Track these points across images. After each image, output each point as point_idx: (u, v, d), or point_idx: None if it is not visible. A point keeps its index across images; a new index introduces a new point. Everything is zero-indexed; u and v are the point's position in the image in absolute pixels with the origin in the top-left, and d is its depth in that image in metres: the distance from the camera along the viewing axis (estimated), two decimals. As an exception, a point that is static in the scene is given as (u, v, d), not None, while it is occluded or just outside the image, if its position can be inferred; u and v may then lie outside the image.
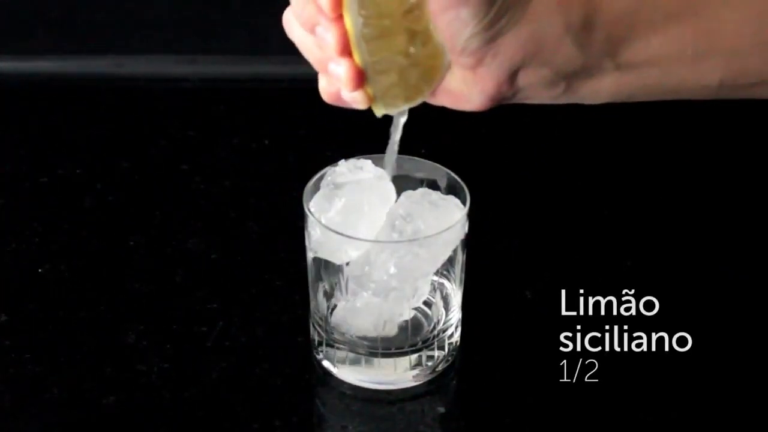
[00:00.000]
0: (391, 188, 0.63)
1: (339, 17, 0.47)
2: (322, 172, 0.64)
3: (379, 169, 0.63)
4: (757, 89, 0.49)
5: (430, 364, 0.64)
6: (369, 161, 0.64)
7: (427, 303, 0.64)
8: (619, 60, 0.47)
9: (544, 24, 0.46)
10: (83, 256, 0.75)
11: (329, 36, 0.47)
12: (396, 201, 0.63)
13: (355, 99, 0.50)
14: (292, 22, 0.50)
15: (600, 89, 0.49)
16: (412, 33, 0.48)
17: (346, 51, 0.48)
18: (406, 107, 0.52)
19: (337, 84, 0.50)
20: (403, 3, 0.47)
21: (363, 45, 0.48)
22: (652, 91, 0.49)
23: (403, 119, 0.55)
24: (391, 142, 0.57)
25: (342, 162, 0.64)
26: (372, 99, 0.51)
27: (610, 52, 0.47)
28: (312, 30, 0.48)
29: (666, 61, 0.47)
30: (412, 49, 0.49)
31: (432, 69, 0.49)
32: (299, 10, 0.48)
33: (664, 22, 0.46)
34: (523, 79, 0.48)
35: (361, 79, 0.49)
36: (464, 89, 0.49)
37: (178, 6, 0.98)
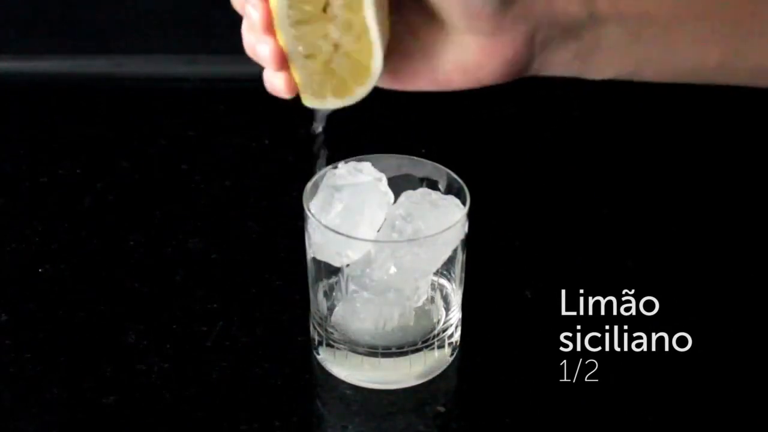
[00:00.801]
0: (389, 191, 0.63)
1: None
2: (321, 172, 0.64)
3: (378, 172, 0.63)
4: (758, 77, 0.50)
5: (430, 363, 0.64)
6: (368, 163, 0.64)
7: (427, 303, 0.64)
8: (623, 23, 0.48)
9: None
10: (83, 256, 0.75)
11: (255, 14, 0.48)
12: (396, 201, 0.63)
13: (277, 82, 0.50)
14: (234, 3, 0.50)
15: (606, 55, 0.49)
16: (343, 23, 0.47)
17: (270, 30, 0.48)
18: (335, 104, 0.51)
19: (262, 63, 0.50)
20: None
21: (287, 27, 0.47)
22: (656, 66, 0.50)
23: (324, 112, 0.55)
24: (316, 137, 0.57)
25: (341, 164, 0.64)
26: (297, 86, 0.50)
27: (614, 14, 0.48)
28: (241, 9, 0.49)
29: (668, 24, 0.48)
30: (339, 38, 0.48)
31: (362, 67, 0.48)
32: None
33: None
34: (539, 41, 0.48)
35: (282, 60, 0.48)
36: (482, 60, 0.48)
37: (178, 6, 0.98)
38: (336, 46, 0.49)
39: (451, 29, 0.48)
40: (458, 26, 0.48)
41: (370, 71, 0.49)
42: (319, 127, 0.56)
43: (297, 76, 0.50)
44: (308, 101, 0.51)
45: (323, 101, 0.51)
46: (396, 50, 0.50)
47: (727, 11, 0.48)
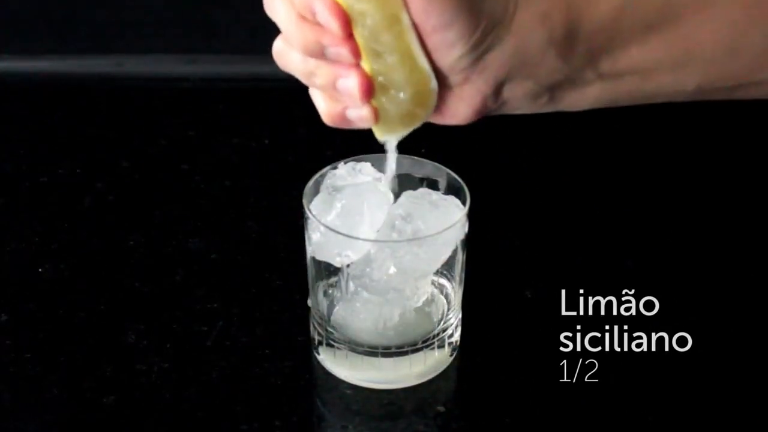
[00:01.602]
0: (389, 192, 0.63)
1: (350, 36, 0.47)
2: (321, 172, 0.64)
3: (378, 172, 0.63)
4: (735, 92, 0.51)
5: (430, 363, 0.64)
6: (368, 164, 0.64)
7: (427, 303, 0.64)
8: (601, 70, 0.49)
9: (528, 38, 0.47)
10: (83, 256, 0.75)
11: (344, 51, 0.47)
12: (396, 201, 0.63)
13: (362, 115, 0.50)
14: (286, 52, 0.50)
15: (583, 98, 0.50)
16: (402, 54, 0.48)
17: (357, 63, 0.48)
18: (404, 131, 0.52)
19: (346, 98, 0.49)
20: (391, 27, 0.47)
21: (371, 56, 0.48)
22: (633, 97, 0.51)
23: (395, 142, 0.55)
24: (389, 167, 0.58)
25: (341, 164, 0.64)
26: (378, 115, 0.50)
27: (592, 62, 0.48)
28: (317, 54, 0.48)
29: (646, 69, 0.49)
30: (404, 70, 0.49)
31: (423, 93, 0.49)
32: (298, 39, 0.48)
33: (643, 32, 0.48)
34: (508, 92, 0.49)
35: (372, 88, 0.49)
36: (450, 104, 0.50)
37: (178, 6, 0.98)
38: (402, 75, 0.49)
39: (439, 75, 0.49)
40: (441, 75, 0.49)
41: (430, 95, 0.49)
42: (393, 161, 0.58)
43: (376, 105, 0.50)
44: (382, 135, 0.52)
45: (395, 133, 0.52)
46: None
47: (701, 38, 0.48)
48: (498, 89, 0.48)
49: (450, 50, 0.47)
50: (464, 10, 0.45)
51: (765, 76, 0.50)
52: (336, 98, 0.50)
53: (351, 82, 0.48)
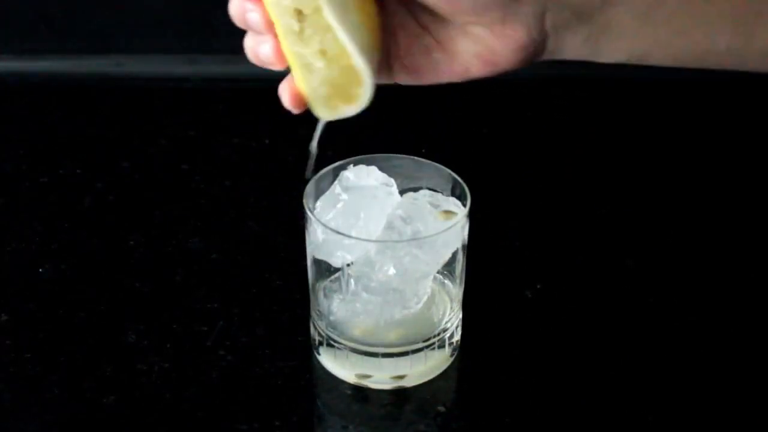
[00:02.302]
0: (395, 196, 0.63)
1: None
2: (322, 172, 0.64)
3: (387, 177, 0.63)
4: (764, 61, 0.50)
5: (430, 364, 0.64)
6: (375, 167, 0.64)
7: (427, 303, 0.64)
8: (633, 4, 0.48)
9: None
10: (83, 256, 0.75)
11: (255, 14, 0.49)
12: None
13: (268, 53, 0.51)
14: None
15: (617, 38, 0.49)
16: (315, 30, 0.48)
17: (270, 31, 0.49)
18: (348, 111, 0.52)
19: (266, 65, 0.51)
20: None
21: (284, 41, 0.49)
22: (663, 45, 0.50)
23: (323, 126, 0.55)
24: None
25: (351, 167, 0.64)
26: (305, 100, 0.51)
27: None
28: (242, 21, 0.50)
29: (676, 6, 0.49)
30: (321, 46, 0.49)
31: (352, 70, 0.49)
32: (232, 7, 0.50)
33: None
34: (549, 22, 0.48)
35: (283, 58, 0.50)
36: (496, 46, 0.49)
37: (178, 6, 0.98)
38: (323, 54, 0.49)
39: (461, 21, 0.49)
40: (467, 19, 0.48)
41: (359, 73, 0.49)
42: (314, 143, 0.57)
43: (304, 91, 0.50)
44: (323, 114, 0.52)
45: (336, 111, 0.52)
46: (412, 47, 0.51)
47: (737, 7, 0.48)
48: (539, 20, 0.48)
49: None
50: None
51: None
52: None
53: (266, 48, 0.50)
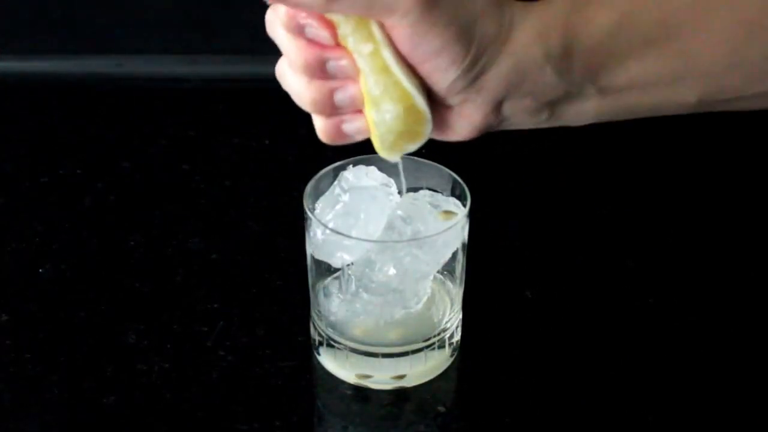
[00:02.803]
0: (395, 196, 0.63)
1: (338, 46, 0.47)
2: (323, 172, 0.64)
3: (386, 177, 0.63)
4: (736, 104, 0.51)
5: (430, 364, 0.64)
6: (374, 168, 0.64)
7: (427, 303, 0.64)
8: (600, 85, 0.49)
9: (524, 56, 0.47)
10: (83, 256, 0.75)
11: (345, 62, 0.47)
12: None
13: (358, 126, 0.50)
14: (288, 74, 0.50)
15: (583, 113, 0.50)
16: (380, 71, 0.48)
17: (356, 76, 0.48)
18: (405, 148, 0.52)
19: (343, 110, 0.50)
20: (367, 43, 0.47)
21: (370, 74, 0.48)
22: (633, 111, 0.51)
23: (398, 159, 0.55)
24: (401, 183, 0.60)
25: (350, 167, 0.64)
26: (373, 129, 0.50)
27: (591, 78, 0.48)
28: (318, 69, 0.48)
29: (645, 84, 0.49)
30: (385, 87, 0.49)
31: (409, 109, 0.49)
32: (297, 57, 0.48)
33: (641, 47, 0.48)
34: (508, 109, 0.49)
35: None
36: (451, 122, 0.50)
37: (178, 6, 0.98)
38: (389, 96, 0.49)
39: (436, 95, 0.49)
40: (438, 95, 0.49)
41: (416, 112, 0.49)
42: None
43: (373, 135, 0.50)
44: (388, 155, 0.52)
45: (401, 150, 0.52)
46: None
47: (701, 54, 0.48)
48: (497, 107, 0.48)
49: (444, 75, 0.47)
50: (452, 36, 0.45)
51: (765, 88, 0.49)
52: (332, 114, 0.50)
53: (352, 90, 0.48)
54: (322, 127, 0.51)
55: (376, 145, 0.51)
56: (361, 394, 0.64)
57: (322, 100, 0.49)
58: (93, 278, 0.73)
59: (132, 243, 0.76)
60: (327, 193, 0.63)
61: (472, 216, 0.62)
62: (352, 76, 0.48)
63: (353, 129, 0.50)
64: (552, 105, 0.49)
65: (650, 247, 0.76)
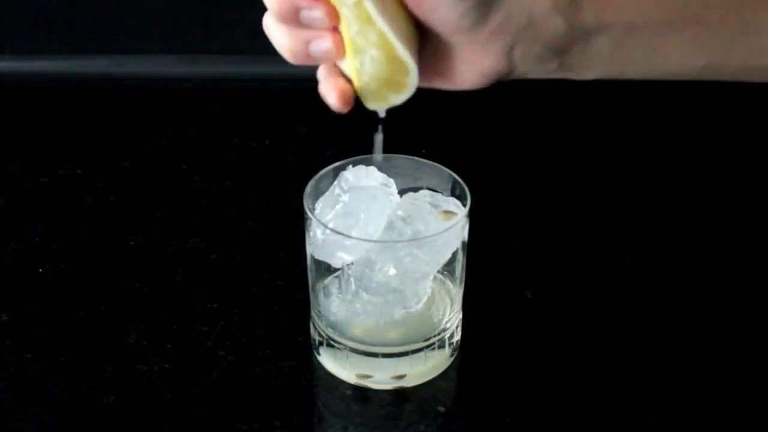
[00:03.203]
0: (395, 196, 0.63)
1: None
2: (322, 172, 0.64)
3: (386, 178, 0.63)
4: (743, 75, 0.51)
5: (430, 364, 0.64)
6: (374, 168, 0.64)
7: (427, 304, 0.64)
8: (609, 33, 0.48)
9: (532, 3, 0.47)
10: (83, 256, 0.75)
11: (318, 14, 0.47)
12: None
13: (325, 48, 0.49)
14: (270, 25, 0.50)
15: (591, 63, 0.50)
16: (363, 21, 0.48)
17: (335, 27, 0.48)
18: (390, 99, 0.52)
19: (321, 61, 0.50)
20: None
21: (348, 34, 0.48)
22: (640, 68, 0.50)
23: (383, 113, 0.55)
24: (376, 145, 0.58)
25: (350, 168, 0.64)
26: (353, 95, 0.50)
27: (599, 25, 0.48)
28: (291, 19, 0.48)
29: (653, 33, 0.48)
30: (368, 42, 0.48)
31: (393, 58, 0.49)
32: (273, 4, 0.48)
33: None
34: (517, 54, 0.48)
35: (343, 49, 0.49)
36: (460, 68, 0.49)
37: (179, 6, 0.98)
38: (372, 45, 0.49)
39: (442, 39, 0.49)
40: (444, 38, 0.48)
41: (404, 61, 0.49)
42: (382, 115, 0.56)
43: (356, 86, 0.50)
44: (374, 106, 0.52)
45: (386, 101, 0.52)
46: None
47: (710, 16, 0.48)
48: (507, 52, 0.48)
49: (452, 8, 0.46)
50: None
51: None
52: (308, 62, 0.50)
53: (325, 44, 0.48)
54: (286, 45, 0.50)
55: (360, 93, 0.51)
56: (361, 394, 0.64)
57: (299, 50, 0.49)
58: (93, 278, 0.73)
59: (132, 243, 0.76)
60: (327, 194, 0.63)
61: (472, 216, 0.62)
62: (327, 27, 0.48)
63: (320, 49, 0.49)
64: (561, 53, 0.49)
65: (650, 247, 0.76)
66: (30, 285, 0.72)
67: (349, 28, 0.48)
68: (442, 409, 0.63)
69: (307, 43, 0.49)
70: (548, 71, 0.50)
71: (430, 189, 0.64)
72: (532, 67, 0.49)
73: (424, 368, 0.64)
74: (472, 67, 0.49)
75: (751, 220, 0.80)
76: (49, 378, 0.64)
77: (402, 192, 0.64)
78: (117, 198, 0.82)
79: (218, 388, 0.64)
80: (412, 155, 0.65)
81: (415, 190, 0.64)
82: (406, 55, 0.48)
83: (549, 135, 0.92)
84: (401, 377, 0.63)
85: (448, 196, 0.64)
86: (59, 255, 0.75)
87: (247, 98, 0.96)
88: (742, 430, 0.62)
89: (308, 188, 0.62)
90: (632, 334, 0.68)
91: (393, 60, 0.49)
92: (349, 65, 0.50)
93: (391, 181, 0.64)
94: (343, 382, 0.64)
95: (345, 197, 0.62)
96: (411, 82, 0.50)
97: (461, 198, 0.63)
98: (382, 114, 0.53)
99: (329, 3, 0.48)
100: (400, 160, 0.65)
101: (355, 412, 0.63)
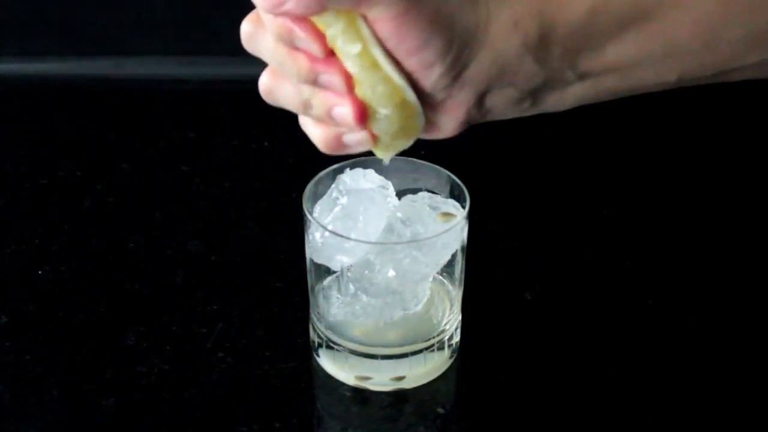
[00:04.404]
0: (393, 199, 0.63)
1: (335, 60, 0.47)
2: (321, 174, 0.64)
3: (383, 180, 0.63)
4: (718, 78, 0.51)
5: (429, 365, 0.64)
6: (372, 170, 0.64)
7: (426, 305, 0.64)
8: (580, 70, 0.48)
9: (503, 48, 0.47)
10: (83, 258, 0.75)
11: (336, 78, 0.47)
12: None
13: (359, 139, 0.50)
14: (276, 87, 0.50)
15: (565, 98, 0.50)
16: (370, 68, 0.47)
17: (351, 91, 0.48)
18: (400, 146, 0.51)
19: (342, 125, 0.49)
20: (355, 42, 0.46)
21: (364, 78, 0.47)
22: (615, 93, 0.51)
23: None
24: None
25: (347, 170, 0.64)
26: (375, 138, 0.50)
27: (570, 63, 0.48)
28: (311, 80, 0.47)
29: (624, 66, 0.49)
30: (376, 85, 0.48)
31: (402, 105, 0.48)
32: (291, 67, 0.47)
33: (618, 30, 0.48)
34: (491, 101, 0.49)
35: (365, 113, 0.48)
36: (436, 120, 0.50)
37: (178, 8, 0.98)
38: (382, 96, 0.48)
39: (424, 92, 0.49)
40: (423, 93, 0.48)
41: (408, 106, 0.48)
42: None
43: (373, 128, 0.50)
44: (381, 155, 0.52)
45: (392, 150, 0.52)
46: None
47: (681, 35, 0.48)
48: (480, 100, 0.48)
49: (429, 71, 0.46)
50: (437, 28, 0.45)
51: (745, 62, 0.50)
52: (330, 125, 0.50)
53: (345, 110, 0.48)
54: (320, 136, 0.50)
55: (375, 148, 0.51)
56: (361, 395, 0.64)
57: (321, 114, 0.49)
58: (92, 280, 0.73)
59: (131, 245, 0.77)
60: (325, 197, 0.63)
61: (471, 217, 0.62)
62: (344, 90, 0.47)
63: (354, 140, 0.50)
64: (534, 93, 0.49)
65: (650, 248, 0.76)
66: (29, 286, 0.72)
67: (357, 86, 0.47)
68: (441, 410, 0.63)
69: (331, 107, 0.48)
70: (523, 110, 0.50)
71: (428, 191, 0.64)
72: (505, 109, 0.50)
73: (423, 370, 0.64)
74: (447, 118, 0.49)
75: (751, 221, 0.80)
76: (48, 379, 0.64)
77: (401, 194, 0.64)
78: (116, 199, 0.82)
79: (218, 390, 0.64)
80: (410, 157, 0.65)
81: (414, 192, 0.64)
82: (413, 98, 0.48)
83: (548, 136, 0.92)
84: (401, 379, 0.64)
85: (446, 197, 0.64)
86: (59, 256, 0.75)
87: (247, 100, 0.96)
88: (742, 430, 0.62)
89: (307, 191, 0.62)
90: (632, 335, 0.68)
91: (403, 105, 0.48)
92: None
93: (389, 183, 0.64)
94: (342, 384, 0.64)
95: (343, 200, 0.62)
96: (419, 124, 0.50)
97: (460, 200, 0.63)
98: (386, 162, 0.53)
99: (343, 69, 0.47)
100: (399, 161, 0.65)
101: (355, 413, 0.63)
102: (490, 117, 0.50)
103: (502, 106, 0.49)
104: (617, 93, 0.51)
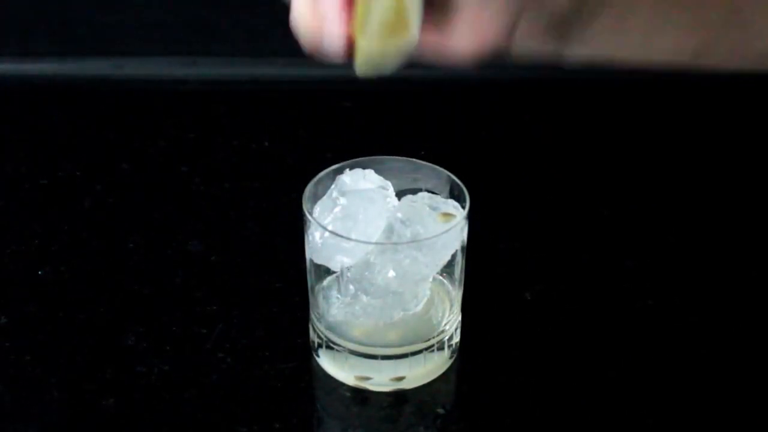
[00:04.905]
0: (393, 199, 0.63)
1: None
2: (321, 175, 0.64)
3: (383, 180, 0.63)
4: (730, 61, 0.51)
5: (429, 366, 0.64)
6: (371, 170, 0.64)
7: (426, 306, 0.64)
8: (612, 9, 0.48)
9: None
10: (83, 258, 0.75)
11: None
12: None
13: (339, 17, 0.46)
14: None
15: (586, 40, 0.49)
16: None
17: None
18: (388, 52, 0.47)
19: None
20: None
21: None
22: (632, 48, 0.50)
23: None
24: None
25: (347, 171, 0.64)
26: (358, 28, 0.47)
27: (603, 2, 0.48)
28: None
29: (652, 11, 0.49)
30: None
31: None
32: None
33: None
34: (519, 24, 0.47)
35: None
36: (457, 29, 0.47)
37: (179, 8, 0.98)
38: None
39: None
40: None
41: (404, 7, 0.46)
42: None
43: (360, 30, 0.46)
44: (364, 64, 0.48)
45: (379, 58, 0.47)
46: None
47: (705, 9, 0.49)
48: (511, 23, 0.47)
49: None
50: None
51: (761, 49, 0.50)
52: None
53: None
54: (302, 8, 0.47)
55: (359, 31, 0.47)
56: (361, 395, 0.64)
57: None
58: (92, 280, 0.73)
59: (131, 245, 0.77)
60: (325, 197, 0.63)
61: (471, 218, 0.62)
62: None
63: (331, 39, 0.46)
64: (562, 28, 0.48)
65: (650, 248, 0.76)
66: (29, 287, 0.72)
67: None
68: (441, 411, 0.63)
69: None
70: (544, 46, 0.49)
71: (428, 191, 0.64)
72: (529, 41, 0.48)
73: (423, 370, 0.64)
74: (470, 28, 0.47)
75: (751, 221, 0.80)
76: (48, 380, 0.64)
77: (400, 194, 0.64)
78: (116, 200, 0.82)
79: (217, 390, 0.64)
80: (411, 157, 0.65)
81: (414, 192, 0.64)
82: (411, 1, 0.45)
83: (547, 136, 0.92)
84: (400, 379, 0.64)
85: (446, 198, 0.64)
86: (58, 257, 0.75)
87: (247, 100, 0.96)
88: (742, 430, 0.62)
89: (307, 191, 0.62)
90: (632, 335, 0.68)
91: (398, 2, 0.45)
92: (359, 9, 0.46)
93: (388, 183, 0.63)
94: (342, 384, 0.64)
95: (343, 200, 0.62)
96: (413, 23, 0.46)
97: (460, 200, 0.63)
98: (361, 75, 0.49)
99: None
100: (399, 162, 0.65)
101: (355, 413, 0.63)
102: (510, 48, 0.48)
103: (527, 34, 0.47)
104: (636, 50, 0.50)
